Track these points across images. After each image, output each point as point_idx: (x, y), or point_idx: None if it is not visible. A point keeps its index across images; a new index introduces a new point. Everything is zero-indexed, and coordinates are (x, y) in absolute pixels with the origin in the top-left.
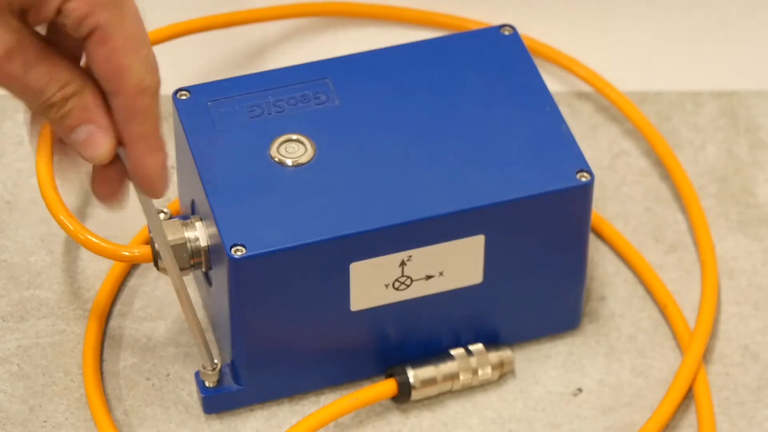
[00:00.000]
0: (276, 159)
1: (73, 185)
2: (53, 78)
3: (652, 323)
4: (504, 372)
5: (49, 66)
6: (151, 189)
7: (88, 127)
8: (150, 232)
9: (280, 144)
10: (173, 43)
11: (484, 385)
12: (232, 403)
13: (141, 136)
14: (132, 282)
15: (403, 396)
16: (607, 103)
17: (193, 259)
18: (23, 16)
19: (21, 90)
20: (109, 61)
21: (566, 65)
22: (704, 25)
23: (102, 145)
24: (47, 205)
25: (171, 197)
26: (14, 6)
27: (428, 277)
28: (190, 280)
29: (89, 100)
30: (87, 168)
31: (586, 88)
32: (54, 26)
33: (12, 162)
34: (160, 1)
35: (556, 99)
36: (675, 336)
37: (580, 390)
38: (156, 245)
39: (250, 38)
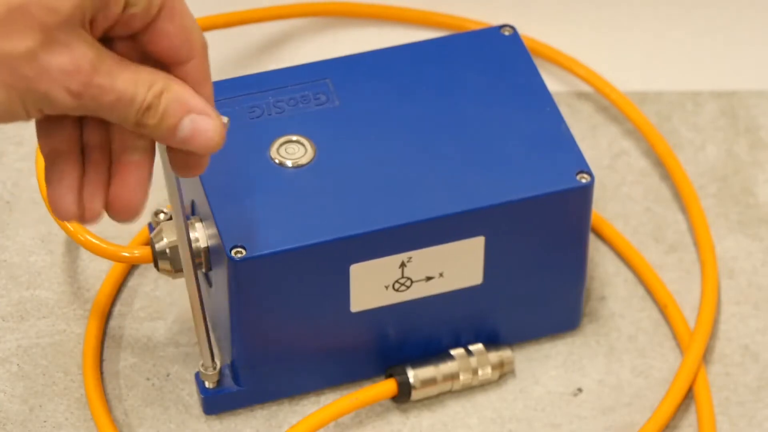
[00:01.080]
0: (276, 160)
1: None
2: (139, 81)
3: (652, 323)
4: (504, 372)
5: (130, 71)
6: (214, 146)
7: (190, 117)
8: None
9: (281, 145)
10: None
11: (484, 385)
12: (232, 404)
13: (210, 96)
14: (132, 282)
15: (403, 396)
16: (607, 103)
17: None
18: (91, 26)
19: (113, 103)
20: (182, 29)
21: (566, 65)
22: (704, 25)
23: (213, 128)
24: (47, 205)
25: None
26: (86, 15)
27: (428, 279)
28: None
29: (179, 90)
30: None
31: (586, 88)
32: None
33: (12, 162)
34: None
35: (556, 99)
36: (675, 336)
37: (580, 390)
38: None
39: (250, 38)
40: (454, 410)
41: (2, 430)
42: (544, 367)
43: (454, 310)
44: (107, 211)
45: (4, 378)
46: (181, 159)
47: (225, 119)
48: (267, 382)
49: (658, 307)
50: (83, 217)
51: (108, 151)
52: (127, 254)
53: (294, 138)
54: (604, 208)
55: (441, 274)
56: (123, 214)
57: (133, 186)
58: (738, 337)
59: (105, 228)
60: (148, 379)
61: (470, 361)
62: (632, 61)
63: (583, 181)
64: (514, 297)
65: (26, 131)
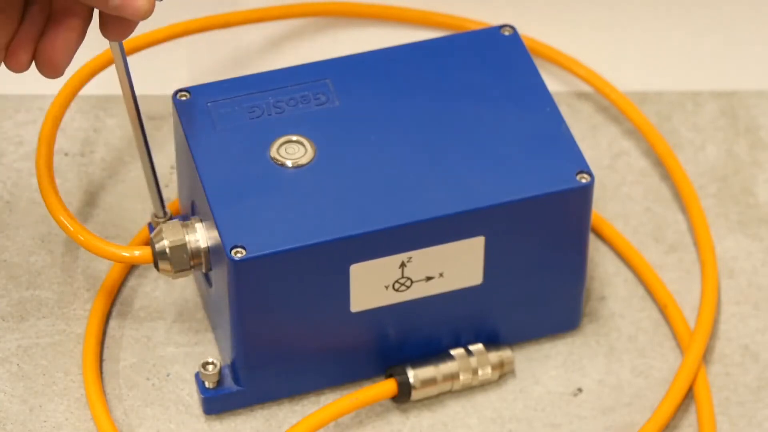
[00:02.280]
0: (276, 160)
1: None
2: None
3: (652, 323)
4: (504, 372)
5: None
6: (144, 13)
7: None
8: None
9: (281, 145)
10: (173, 43)
11: (484, 385)
12: (233, 404)
13: None
14: (132, 282)
15: (403, 396)
16: (607, 103)
17: (193, 260)
18: None
19: None
20: None
21: (566, 65)
22: (704, 25)
23: None
24: (47, 205)
25: (171, 197)
26: None
27: (428, 279)
28: (190, 280)
29: None
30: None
31: (586, 88)
32: None
33: (12, 162)
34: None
35: (556, 99)
36: (675, 336)
37: (580, 390)
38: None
39: (250, 38)
40: (454, 410)
41: (2, 430)
42: (544, 367)
43: (454, 310)
44: (35, 63)
45: (4, 378)
46: (114, 23)
47: None
48: (267, 382)
49: (658, 307)
50: (9, 63)
51: (48, 10)
52: (127, 254)
53: (294, 138)
54: (604, 208)
55: (441, 274)
56: (45, 68)
57: (60, 45)
58: (738, 337)
59: (105, 228)
60: (148, 379)
61: (470, 361)
62: (632, 61)
63: (583, 181)
64: (514, 297)
65: (26, 131)
